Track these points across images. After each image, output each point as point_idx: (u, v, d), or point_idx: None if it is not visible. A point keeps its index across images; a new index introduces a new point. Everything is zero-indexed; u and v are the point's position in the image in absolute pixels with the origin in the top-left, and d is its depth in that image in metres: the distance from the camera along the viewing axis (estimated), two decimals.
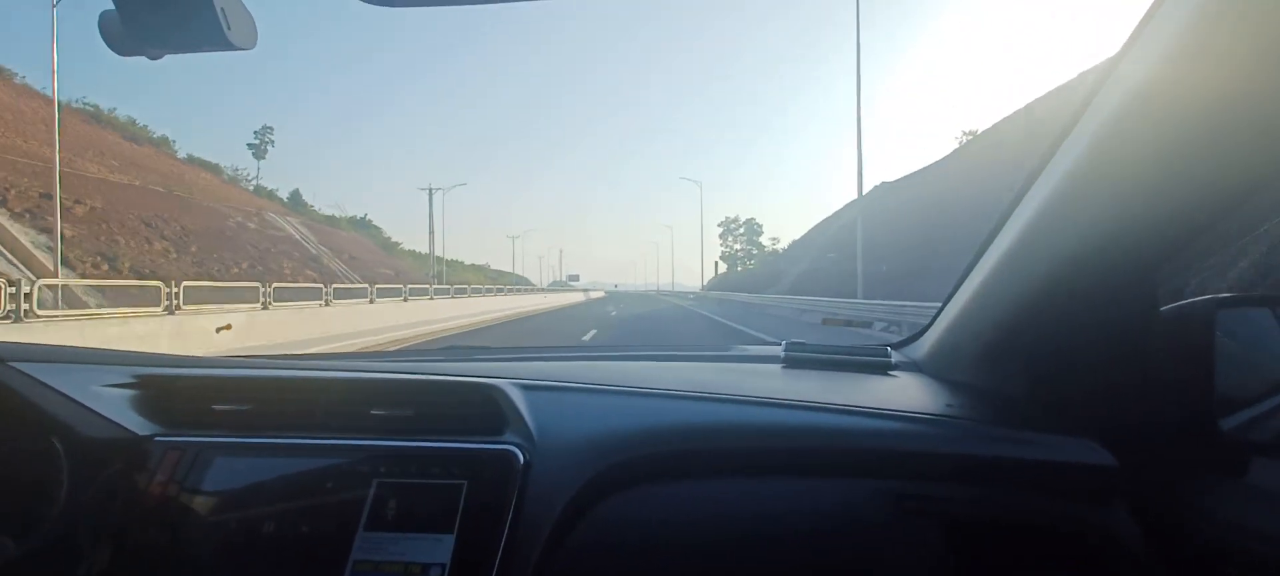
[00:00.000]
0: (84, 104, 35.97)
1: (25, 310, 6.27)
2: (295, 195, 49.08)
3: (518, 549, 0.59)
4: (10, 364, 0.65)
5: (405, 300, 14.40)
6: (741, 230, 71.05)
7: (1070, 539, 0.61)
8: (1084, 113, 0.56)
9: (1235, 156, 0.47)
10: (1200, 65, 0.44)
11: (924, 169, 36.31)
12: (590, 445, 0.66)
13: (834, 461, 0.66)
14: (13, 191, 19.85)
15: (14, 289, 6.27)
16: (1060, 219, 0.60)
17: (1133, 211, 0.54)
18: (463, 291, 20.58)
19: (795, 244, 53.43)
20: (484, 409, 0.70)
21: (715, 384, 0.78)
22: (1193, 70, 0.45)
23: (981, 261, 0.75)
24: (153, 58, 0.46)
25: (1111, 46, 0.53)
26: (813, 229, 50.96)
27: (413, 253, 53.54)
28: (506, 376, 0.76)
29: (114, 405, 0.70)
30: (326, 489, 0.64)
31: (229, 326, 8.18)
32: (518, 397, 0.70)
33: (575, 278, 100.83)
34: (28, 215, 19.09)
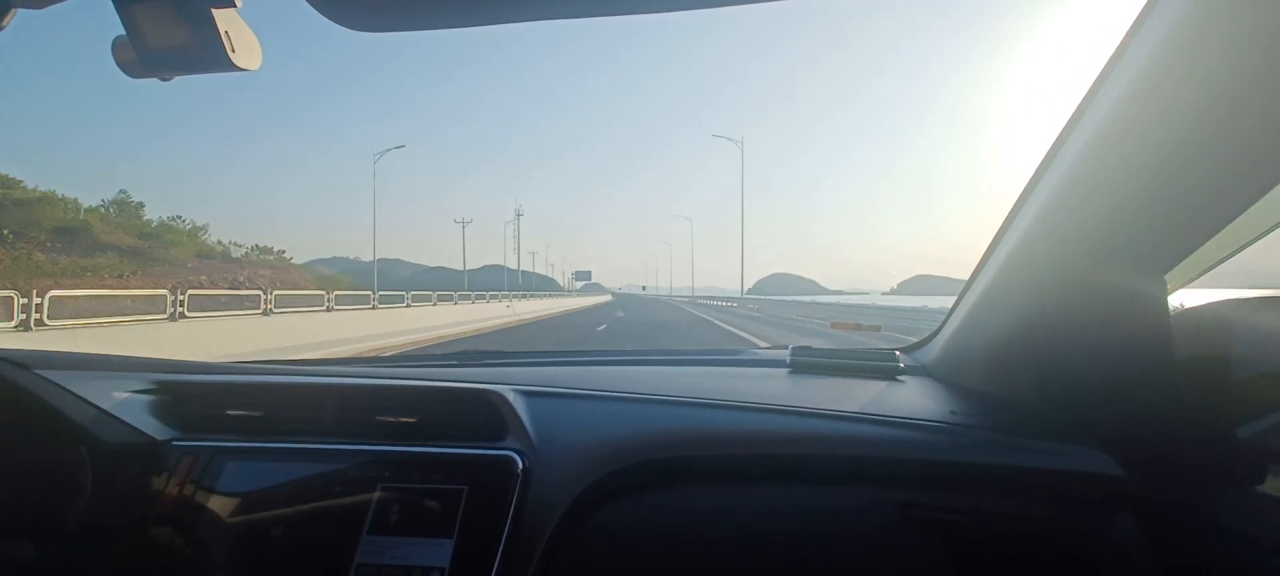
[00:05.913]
0: None
1: None
2: None
3: (516, 553, 0.60)
4: (36, 371, 0.68)
5: None
6: None
7: (1076, 550, 0.60)
8: (1088, 107, 0.54)
9: (1243, 154, 0.46)
10: (1200, 62, 0.43)
11: None
12: (590, 451, 0.66)
13: (838, 469, 0.65)
14: None
15: None
16: (1066, 218, 0.59)
17: (1140, 209, 0.53)
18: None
19: None
20: (485, 415, 0.72)
21: (718, 390, 0.78)
22: (1193, 67, 0.44)
23: (989, 263, 0.74)
24: (164, 79, 0.48)
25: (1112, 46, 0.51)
26: None
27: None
28: (509, 382, 0.77)
29: (134, 410, 0.73)
30: (333, 493, 0.66)
31: None
32: (518, 403, 0.72)
33: (586, 275, 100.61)
34: None
